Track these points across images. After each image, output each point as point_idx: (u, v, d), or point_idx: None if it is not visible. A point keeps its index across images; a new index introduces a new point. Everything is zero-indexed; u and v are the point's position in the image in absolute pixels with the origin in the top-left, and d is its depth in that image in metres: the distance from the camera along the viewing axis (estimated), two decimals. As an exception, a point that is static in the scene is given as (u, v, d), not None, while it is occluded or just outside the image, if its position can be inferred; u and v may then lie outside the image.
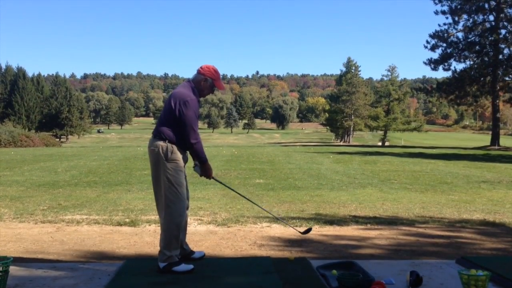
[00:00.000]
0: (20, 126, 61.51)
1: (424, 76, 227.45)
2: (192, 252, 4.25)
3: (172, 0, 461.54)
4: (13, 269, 3.73)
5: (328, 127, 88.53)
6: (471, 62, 40.10)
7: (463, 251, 5.03)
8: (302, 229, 4.88)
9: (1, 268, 3.36)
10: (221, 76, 4.17)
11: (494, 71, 38.24)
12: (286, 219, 6.47)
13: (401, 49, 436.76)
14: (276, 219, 6.46)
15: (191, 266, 3.86)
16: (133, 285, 3.53)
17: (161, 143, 3.85)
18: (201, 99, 4.15)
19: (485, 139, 55.80)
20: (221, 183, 4.47)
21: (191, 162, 4.11)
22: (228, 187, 4.72)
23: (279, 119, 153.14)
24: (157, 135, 3.90)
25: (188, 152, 4.04)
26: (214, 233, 5.84)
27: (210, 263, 4.15)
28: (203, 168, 4.08)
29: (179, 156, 3.88)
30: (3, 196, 9.01)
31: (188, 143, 3.89)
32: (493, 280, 3.52)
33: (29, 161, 18.06)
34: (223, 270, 3.90)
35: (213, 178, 4.20)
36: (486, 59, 39.25)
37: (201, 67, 4.08)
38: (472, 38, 39.63)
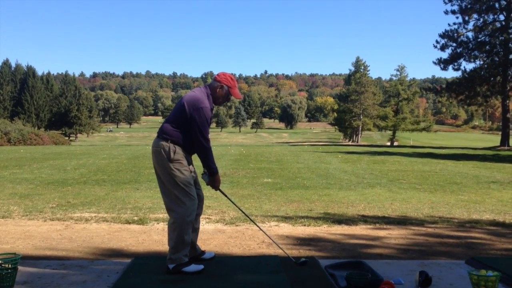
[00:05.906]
0: (30, 125, 62.02)
1: (433, 76, 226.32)
2: (203, 253, 4.21)
3: (181, 0, 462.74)
4: (22, 266, 3.75)
5: (336, 127, 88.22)
6: (481, 62, 39.74)
7: (473, 252, 4.99)
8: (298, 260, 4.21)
9: (10, 265, 3.38)
10: (237, 85, 4.07)
11: (504, 71, 37.92)
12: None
13: (411, 49, 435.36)
14: (285, 218, 6.46)
15: (201, 267, 3.82)
16: (141, 283, 3.53)
17: (164, 143, 3.80)
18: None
19: (494, 139, 55.44)
20: (226, 196, 4.29)
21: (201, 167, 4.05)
22: (231, 201, 4.43)
23: (288, 118, 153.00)
24: (161, 135, 3.86)
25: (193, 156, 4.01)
26: (222, 232, 5.83)
27: (218, 262, 4.14)
28: (212, 179, 4.02)
29: (181, 156, 3.82)
30: (12, 193, 9.07)
31: (197, 150, 3.87)
32: (503, 281, 3.49)
33: (38, 159, 18.18)
34: (231, 269, 3.90)
35: (219, 190, 4.13)
36: (496, 59, 38.91)
37: (217, 75, 4.01)
38: (482, 38, 39.27)
